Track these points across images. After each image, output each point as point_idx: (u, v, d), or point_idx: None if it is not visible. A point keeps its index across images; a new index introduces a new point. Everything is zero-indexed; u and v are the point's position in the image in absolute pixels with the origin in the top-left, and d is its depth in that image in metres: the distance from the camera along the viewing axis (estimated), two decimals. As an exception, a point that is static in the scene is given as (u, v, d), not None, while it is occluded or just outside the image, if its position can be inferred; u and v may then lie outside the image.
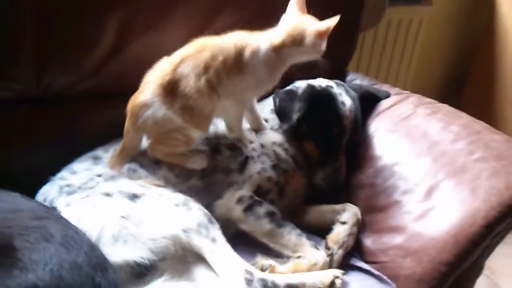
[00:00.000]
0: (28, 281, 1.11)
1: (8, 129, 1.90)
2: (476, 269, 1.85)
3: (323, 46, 1.73)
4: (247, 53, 1.72)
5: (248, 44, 1.73)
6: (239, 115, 1.90)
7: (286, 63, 1.79)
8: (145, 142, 1.84)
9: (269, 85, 1.83)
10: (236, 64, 1.71)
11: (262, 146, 1.95)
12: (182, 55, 1.72)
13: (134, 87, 1.79)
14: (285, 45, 1.72)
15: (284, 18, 1.77)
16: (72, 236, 1.31)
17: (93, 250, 1.34)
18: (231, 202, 1.79)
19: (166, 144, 1.78)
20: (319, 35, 1.69)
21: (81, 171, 1.79)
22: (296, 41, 1.71)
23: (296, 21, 1.74)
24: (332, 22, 1.68)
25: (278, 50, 1.72)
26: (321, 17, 1.74)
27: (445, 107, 2.11)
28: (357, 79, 2.49)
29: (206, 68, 1.69)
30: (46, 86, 1.90)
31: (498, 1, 3.45)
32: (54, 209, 1.59)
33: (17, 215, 1.32)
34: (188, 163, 1.81)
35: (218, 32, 1.81)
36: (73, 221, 1.47)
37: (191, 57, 1.71)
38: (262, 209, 1.75)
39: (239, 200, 1.78)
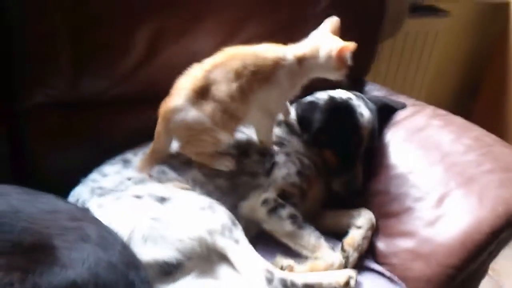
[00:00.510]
0: (68, 277, 1.17)
1: (42, 132, 1.96)
2: (481, 272, 1.92)
3: (345, 64, 1.81)
4: (275, 64, 1.81)
5: (276, 55, 1.81)
6: (269, 128, 1.97)
7: (306, 76, 1.87)
8: (174, 145, 1.91)
9: (290, 95, 1.92)
10: (264, 75, 1.80)
11: (288, 154, 2.02)
12: (213, 62, 1.80)
13: (164, 92, 1.85)
14: (306, 58, 1.81)
15: (313, 34, 1.87)
16: (107, 237, 1.39)
17: (125, 249, 1.42)
18: (256, 203, 1.87)
19: (196, 145, 1.85)
20: (337, 53, 1.77)
21: (111, 174, 1.86)
22: (314, 55, 1.80)
23: (322, 38, 1.83)
24: (351, 45, 1.76)
25: (300, 62, 1.81)
26: (343, 29, 1.85)
27: (458, 119, 2.17)
28: (375, 90, 2.55)
29: (238, 75, 1.77)
30: (80, 91, 1.96)
31: (512, 12, 3.47)
32: (87, 210, 1.65)
33: (55, 216, 1.37)
34: (216, 165, 1.89)
35: (244, 41, 1.90)
36: (105, 221, 1.53)
37: (222, 64, 1.79)
38: (285, 212, 1.83)
39: (264, 202, 1.86)
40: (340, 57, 1.78)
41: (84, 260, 1.24)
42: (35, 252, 1.22)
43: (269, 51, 1.84)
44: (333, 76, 1.86)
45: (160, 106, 1.85)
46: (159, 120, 1.85)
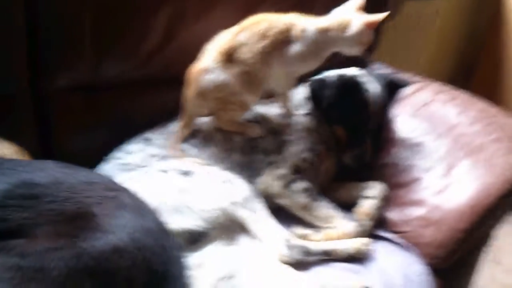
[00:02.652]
0: (110, 241, 1.24)
1: (65, 114, 2.03)
2: (485, 238, 2.00)
3: (368, 39, 1.87)
4: (297, 29, 1.87)
5: (298, 23, 1.88)
6: (289, 85, 2.04)
7: (329, 47, 1.92)
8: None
9: (313, 63, 1.98)
10: (288, 36, 1.86)
11: (298, 130, 2.08)
12: (242, 26, 1.87)
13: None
14: (330, 29, 1.87)
15: (336, 10, 1.93)
16: (141, 205, 1.46)
17: (158, 217, 1.48)
18: (271, 179, 1.94)
19: (225, 109, 1.93)
20: (367, 25, 1.83)
21: (136, 151, 1.94)
22: (341, 27, 1.86)
23: (347, 13, 1.89)
24: (381, 16, 1.83)
25: (323, 33, 1.87)
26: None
27: (462, 94, 2.24)
28: (381, 69, 2.61)
29: (263, 36, 1.83)
30: (102, 74, 2.02)
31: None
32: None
33: (93, 187, 1.43)
34: (248, 131, 1.99)
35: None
36: (135, 193, 1.61)
37: (249, 27, 1.86)
38: (299, 185, 1.91)
39: (279, 177, 1.93)
40: (369, 30, 1.85)
41: (123, 226, 1.31)
42: (78, 219, 1.29)
43: (292, 18, 1.90)
44: (353, 51, 1.93)
45: (187, 71, 1.92)
46: (187, 85, 1.92)
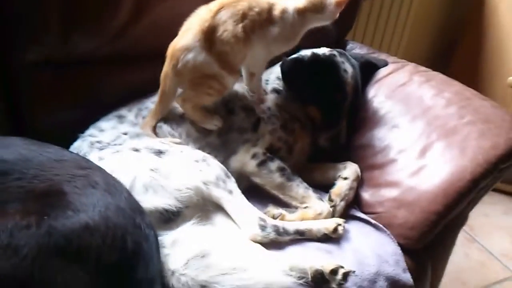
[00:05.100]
0: (81, 220, 1.23)
1: (36, 90, 2.00)
2: (460, 219, 2.03)
3: (337, 15, 1.91)
4: (278, 10, 1.87)
5: (278, 4, 1.88)
6: (263, 64, 2.03)
7: (306, 27, 1.94)
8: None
9: (291, 43, 1.97)
10: (268, 17, 1.86)
11: (271, 108, 2.08)
12: (221, 3, 1.84)
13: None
14: (307, 11, 1.88)
15: None
16: (113, 184, 1.44)
17: (130, 196, 1.48)
18: (246, 157, 1.94)
19: (199, 91, 1.91)
20: (338, 4, 1.86)
21: (108, 129, 1.92)
22: (317, 9, 1.88)
23: None
24: None
25: (301, 14, 1.88)
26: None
27: (439, 75, 2.25)
28: (357, 48, 2.60)
29: (243, 16, 1.82)
30: (71, 49, 1.99)
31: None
32: (90, 160, 1.69)
33: (63, 164, 1.42)
34: (206, 124, 1.95)
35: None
36: (107, 172, 1.59)
37: (229, 5, 1.83)
38: (274, 164, 1.92)
39: (253, 156, 1.94)
40: (340, 6, 1.90)
41: (94, 205, 1.30)
42: (48, 197, 1.28)
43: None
44: (326, 23, 1.96)
45: (168, 47, 1.89)
46: (167, 60, 1.90)
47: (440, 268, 2.11)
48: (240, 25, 1.82)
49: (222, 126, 1.97)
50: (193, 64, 1.84)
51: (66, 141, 1.89)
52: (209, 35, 1.82)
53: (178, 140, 1.91)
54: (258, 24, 1.85)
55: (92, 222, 1.25)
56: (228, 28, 1.81)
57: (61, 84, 2.04)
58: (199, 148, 1.91)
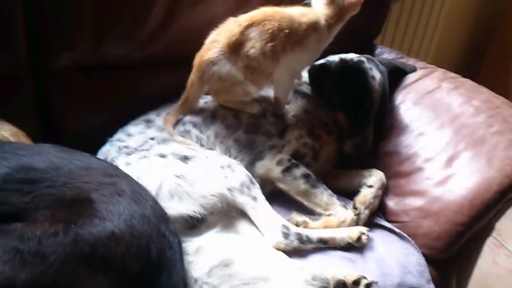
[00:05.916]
0: (107, 228, 1.25)
1: (67, 95, 2.04)
2: (487, 230, 1.99)
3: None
4: (309, 28, 1.88)
5: (310, 21, 1.89)
6: (290, 83, 2.05)
7: (331, 39, 1.96)
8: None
9: (315, 58, 2.01)
10: (297, 38, 1.87)
11: (299, 115, 2.08)
12: (250, 20, 1.86)
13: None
14: (336, 22, 1.91)
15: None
16: (139, 192, 1.46)
17: (156, 204, 1.49)
18: (271, 163, 1.94)
19: (226, 93, 1.96)
20: (351, 6, 1.90)
21: (135, 134, 1.94)
22: (341, 17, 1.92)
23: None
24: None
25: (330, 27, 1.90)
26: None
27: (468, 82, 2.22)
28: (385, 53, 2.58)
29: (273, 36, 1.83)
30: (102, 55, 2.03)
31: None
32: (118, 167, 1.71)
33: (91, 172, 1.44)
34: (246, 108, 2.01)
35: (258, 4, 1.95)
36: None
37: (258, 23, 1.84)
38: (299, 171, 1.91)
39: (279, 162, 1.93)
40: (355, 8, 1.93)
41: (120, 213, 1.32)
42: (76, 205, 1.30)
43: (304, 16, 1.90)
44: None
45: (196, 57, 1.92)
46: (194, 70, 1.93)
47: (465, 278, 2.09)
48: (270, 44, 1.83)
49: (251, 123, 2.01)
50: (218, 76, 1.88)
51: (96, 144, 1.93)
52: (235, 49, 1.84)
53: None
54: (289, 45, 1.87)
55: (118, 230, 1.28)
56: (256, 45, 1.83)
57: (92, 88, 2.09)
58: (226, 148, 1.94)
